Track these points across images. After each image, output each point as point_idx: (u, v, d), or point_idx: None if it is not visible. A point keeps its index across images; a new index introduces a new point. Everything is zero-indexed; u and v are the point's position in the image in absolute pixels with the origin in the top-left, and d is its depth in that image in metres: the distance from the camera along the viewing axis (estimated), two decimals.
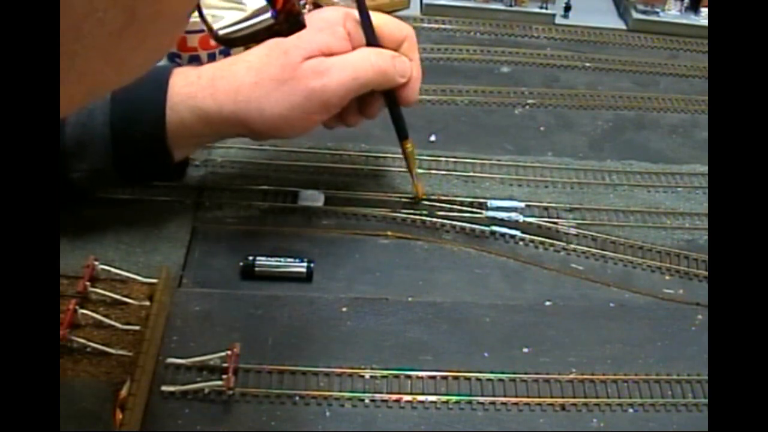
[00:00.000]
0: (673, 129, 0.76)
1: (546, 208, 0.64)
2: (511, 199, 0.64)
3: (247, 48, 0.56)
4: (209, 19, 0.39)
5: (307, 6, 0.77)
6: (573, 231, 0.62)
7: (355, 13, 0.55)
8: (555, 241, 0.61)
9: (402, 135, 0.60)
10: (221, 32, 0.40)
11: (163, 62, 0.66)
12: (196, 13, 0.33)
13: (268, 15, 0.39)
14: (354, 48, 0.56)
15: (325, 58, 0.54)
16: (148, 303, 0.52)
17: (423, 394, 0.50)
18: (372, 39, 0.56)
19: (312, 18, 0.56)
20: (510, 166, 0.68)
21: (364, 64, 0.54)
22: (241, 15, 0.39)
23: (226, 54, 0.66)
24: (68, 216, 0.57)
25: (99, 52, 0.27)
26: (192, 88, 0.54)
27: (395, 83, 0.56)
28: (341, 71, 0.54)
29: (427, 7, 0.89)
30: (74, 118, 0.52)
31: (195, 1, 0.33)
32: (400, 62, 0.56)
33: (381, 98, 0.58)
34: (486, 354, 0.52)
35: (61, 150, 0.52)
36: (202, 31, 0.64)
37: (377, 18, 0.57)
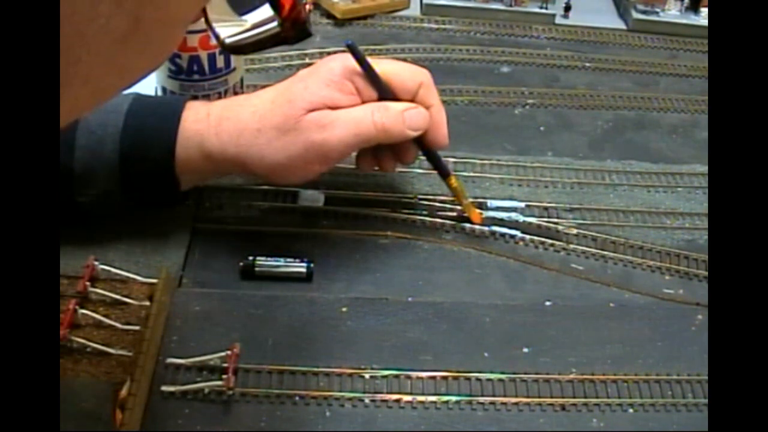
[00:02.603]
0: (673, 129, 0.76)
1: (546, 208, 0.64)
2: (511, 199, 0.64)
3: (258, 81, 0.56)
4: (216, 27, 0.39)
5: (308, 6, 0.77)
6: (573, 231, 0.62)
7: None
8: (555, 241, 0.61)
9: (444, 174, 0.60)
10: (228, 41, 0.40)
11: (161, 69, 0.66)
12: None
13: (274, 24, 0.39)
14: (364, 101, 0.54)
15: (329, 111, 0.53)
16: (148, 303, 0.52)
17: (423, 394, 0.50)
18: (382, 92, 0.55)
19: (320, 69, 0.55)
20: (510, 166, 0.68)
21: (365, 121, 0.53)
22: (248, 23, 0.39)
23: (226, 55, 0.66)
24: (68, 216, 0.56)
25: (103, 58, 0.27)
26: (200, 125, 0.54)
27: (405, 137, 0.55)
28: (343, 126, 0.53)
29: (427, 7, 0.89)
30: (84, 144, 0.53)
31: (199, 7, 0.33)
32: (411, 116, 0.55)
33: (415, 145, 0.57)
34: (486, 354, 0.52)
35: (70, 174, 0.53)
36: (202, 31, 0.64)
37: (390, 66, 0.56)
